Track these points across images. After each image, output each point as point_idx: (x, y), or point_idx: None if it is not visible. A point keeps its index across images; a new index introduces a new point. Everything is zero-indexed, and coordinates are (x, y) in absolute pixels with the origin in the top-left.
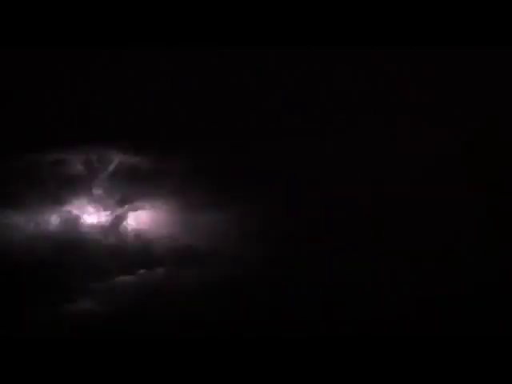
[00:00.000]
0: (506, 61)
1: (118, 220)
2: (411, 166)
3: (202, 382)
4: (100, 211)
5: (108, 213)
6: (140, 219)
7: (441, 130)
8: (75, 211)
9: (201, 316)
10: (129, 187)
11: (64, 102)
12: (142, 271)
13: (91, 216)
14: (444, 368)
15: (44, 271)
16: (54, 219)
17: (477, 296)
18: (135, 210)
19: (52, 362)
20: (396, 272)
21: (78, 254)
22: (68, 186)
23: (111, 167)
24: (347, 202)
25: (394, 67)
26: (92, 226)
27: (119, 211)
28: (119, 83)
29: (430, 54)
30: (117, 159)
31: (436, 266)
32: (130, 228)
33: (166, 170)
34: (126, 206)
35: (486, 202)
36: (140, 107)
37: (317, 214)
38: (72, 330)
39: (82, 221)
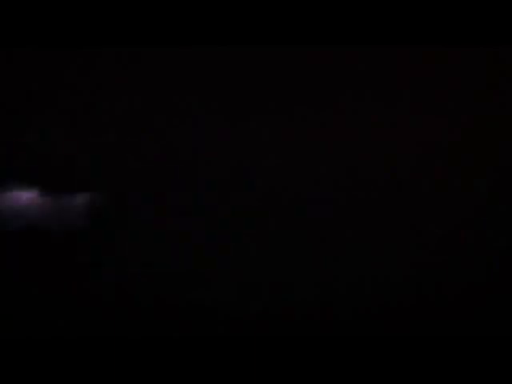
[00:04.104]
0: (506, 61)
1: None
2: (411, 166)
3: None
4: None
5: None
6: None
7: (440, 129)
8: None
9: None
10: None
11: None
12: None
13: None
14: (444, 368)
15: None
16: None
17: (476, 296)
18: None
19: None
20: (395, 268)
21: None
22: None
23: None
24: (346, 199)
25: (394, 67)
26: None
27: None
28: (119, 83)
29: (430, 54)
30: None
31: (435, 264)
32: None
33: None
34: None
35: (486, 203)
36: (140, 107)
37: (317, 211)
38: None
39: None
